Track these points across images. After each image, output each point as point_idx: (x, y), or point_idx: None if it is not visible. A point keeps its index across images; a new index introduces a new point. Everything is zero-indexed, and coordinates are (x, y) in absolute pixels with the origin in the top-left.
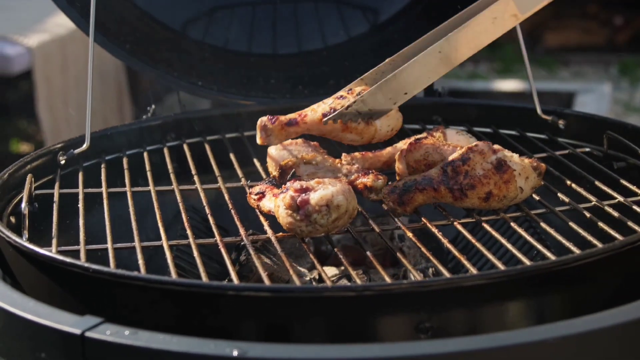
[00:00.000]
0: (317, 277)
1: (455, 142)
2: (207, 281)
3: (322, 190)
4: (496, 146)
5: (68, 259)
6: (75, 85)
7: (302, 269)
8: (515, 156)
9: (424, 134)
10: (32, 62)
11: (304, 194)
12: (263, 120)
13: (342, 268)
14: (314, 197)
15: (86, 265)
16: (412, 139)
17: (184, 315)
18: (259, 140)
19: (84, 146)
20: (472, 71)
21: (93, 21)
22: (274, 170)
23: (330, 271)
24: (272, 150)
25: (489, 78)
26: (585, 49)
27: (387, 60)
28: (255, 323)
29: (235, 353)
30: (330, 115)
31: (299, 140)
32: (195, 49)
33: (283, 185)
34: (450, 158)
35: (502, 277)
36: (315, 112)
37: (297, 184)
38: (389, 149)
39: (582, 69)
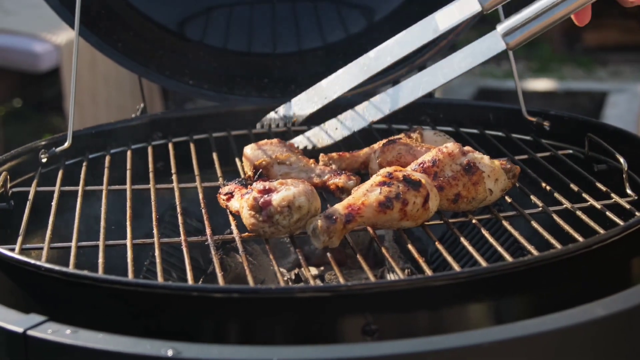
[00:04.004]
0: (293, 277)
1: (432, 143)
2: (155, 281)
3: (284, 191)
4: (467, 148)
5: (21, 257)
6: (104, 83)
7: (282, 269)
8: (486, 158)
9: (400, 135)
10: (60, 60)
11: (266, 195)
12: (323, 223)
13: (322, 268)
14: (276, 198)
15: (38, 263)
16: (386, 140)
17: (133, 315)
18: (320, 245)
19: (66, 144)
20: (508, 70)
21: (78, 19)
22: (249, 170)
23: (311, 271)
24: (248, 150)
25: (523, 77)
26: (624, 48)
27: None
28: (204, 323)
29: (169, 353)
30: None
31: (274, 140)
32: (189, 48)
33: (249, 186)
34: (420, 159)
35: (451, 279)
36: (366, 203)
37: (260, 185)
38: (365, 150)
39: (619, 68)
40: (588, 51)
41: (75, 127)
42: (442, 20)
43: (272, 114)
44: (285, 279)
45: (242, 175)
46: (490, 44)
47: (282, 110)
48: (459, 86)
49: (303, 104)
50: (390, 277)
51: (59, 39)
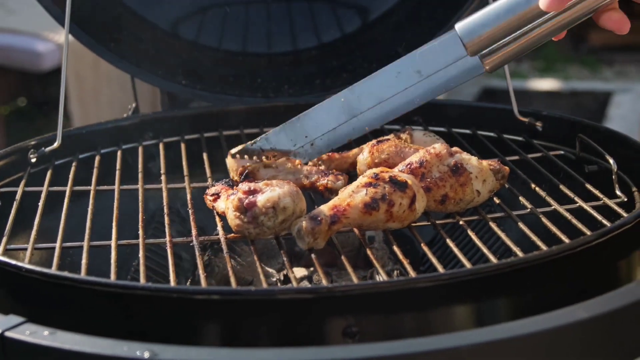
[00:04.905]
0: (282, 277)
1: (422, 143)
2: (135, 283)
3: (268, 192)
4: (454, 149)
5: (2, 258)
6: (107, 82)
7: (271, 270)
8: (474, 159)
9: (390, 135)
10: (62, 59)
11: (251, 196)
12: (308, 225)
13: (312, 269)
14: (261, 200)
15: (19, 264)
16: (375, 140)
17: (114, 316)
18: (305, 246)
19: (55, 144)
20: (514, 70)
21: (68, 18)
22: (235, 175)
23: (300, 272)
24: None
25: (529, 77)
26: (630, 48)
27: None
28: (185, 325)
29: (146, 355)
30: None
31: None
32: (182, 47)
33: (235, 187)
34: (407, 160)
35: (433, 280)
36: (352, 205)
37: (245, 186)
38: (355, 150)
39: (625, 68)
40: (594, 51)
41: (80, 126)
42: (428, 63)
43: (248, 145)
44: (274, 279)
45: (231, 176)
46: (468, 67)
47: (259, 142)
48: (463, 86)
49: (282, 140)
50: (380, 278)
51: (62, 38)
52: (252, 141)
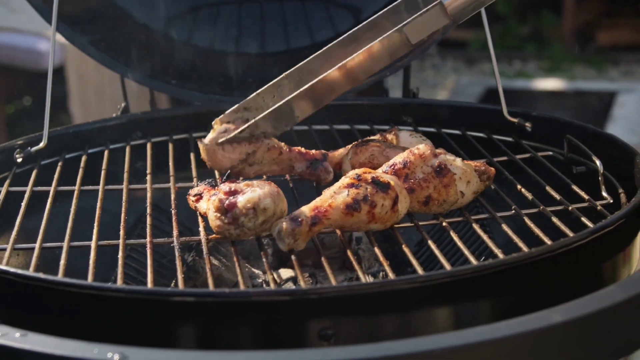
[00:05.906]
0: (267, 279)
1: (407, 144)
2: (109, 284)
3: (249, 193)
4: (439, 150)
5: None
6: (110, 82)
7: (257, 271)
8: (458, 160)
9: (376, 136)
10: (64, 58)
11: (232, 197)
12: (288, 226)
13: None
14: (241, 200)
15: None
16: (360, 141)
17: (88, 318)
18: (285, 248)
19: (41, 144)
20: (520, 69)
21: (55, 17)
22: (209, 165)
23: (287, 273)
24: (217, 154)
25: (535, 77)
26: (637, 48)
27: (283, 75)
28: (161, 327)
29: (116, 358)
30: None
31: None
32: (174, 47)
33: (216, 187)
34: (391, 161)
35: (409, 283)
36: (333, 206)
37: (226, 187)
38: (340, 151)
39: (631, 68)
40: (601, 51)
41: None
42: (417, 34)
43: (235, 134)
44: (260, 281)
45: (218, 176)
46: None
47: (248, 131)
48: (467, 86)
49: (271, 123)
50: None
51: (63, 38)
52: (241, 129)
